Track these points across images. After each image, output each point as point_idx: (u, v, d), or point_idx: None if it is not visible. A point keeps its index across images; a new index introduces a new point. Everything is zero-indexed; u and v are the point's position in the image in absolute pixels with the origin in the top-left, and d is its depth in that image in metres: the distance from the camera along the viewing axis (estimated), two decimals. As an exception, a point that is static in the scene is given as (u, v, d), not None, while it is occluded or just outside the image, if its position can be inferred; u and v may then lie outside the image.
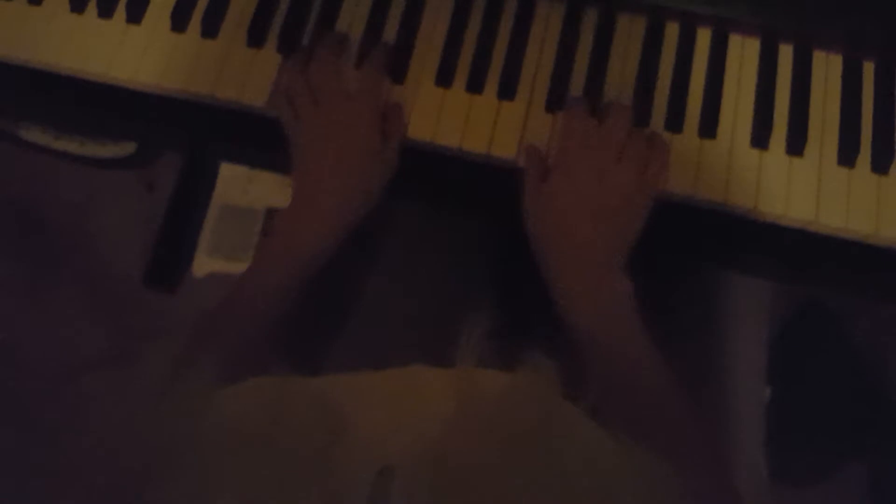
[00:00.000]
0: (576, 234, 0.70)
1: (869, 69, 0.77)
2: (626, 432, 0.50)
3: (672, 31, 0.79)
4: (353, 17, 0.80)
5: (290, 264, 0.72)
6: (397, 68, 0.78)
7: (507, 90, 0.77)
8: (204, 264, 1.39)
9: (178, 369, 0.59)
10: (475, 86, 0.77)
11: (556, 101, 0.76)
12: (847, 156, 0.74)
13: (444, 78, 0.78)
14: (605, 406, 0.56)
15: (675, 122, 0.76)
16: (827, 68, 0.78)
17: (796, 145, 0.75)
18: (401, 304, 0.98)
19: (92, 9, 0.81)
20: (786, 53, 0.78)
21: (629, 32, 0.79)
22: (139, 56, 0.79)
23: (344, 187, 0.73)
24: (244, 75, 0.78)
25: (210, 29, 0.80)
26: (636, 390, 0.65)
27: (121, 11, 0.81)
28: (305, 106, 0.74)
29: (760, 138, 0.75)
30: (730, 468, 0.62)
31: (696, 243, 0.77)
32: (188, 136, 0.85)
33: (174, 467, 0.45)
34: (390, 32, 0.80)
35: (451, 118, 0.77)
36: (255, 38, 0.79)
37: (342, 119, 0.74)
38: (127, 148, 1.39)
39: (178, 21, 0.80)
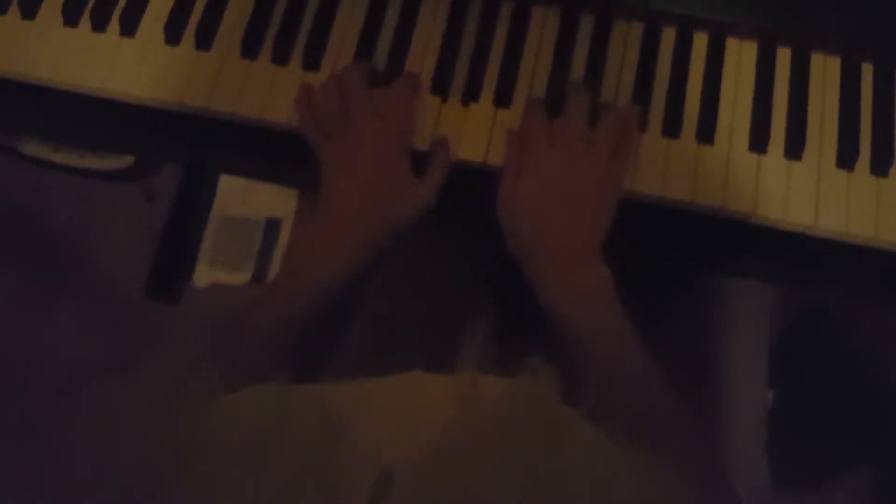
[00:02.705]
0: (549, 226, 0.70)
1: (868, 71, 0.77)
2: (625, 434, 0.49)
3: (669, 35, 0.79)
4: (346, 28, 0.80)
5: (309, 291, 0.71)
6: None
7: (504, 98, 0.77)
8: (205, 274, 1.39)
9: (182, 377, 0.59)
10: (471, 94, 0.77)
11: (553, 107, 0.76)
12: (846, 159, 0.74)
13: (440, 86, 0.77)
14: (602, 407, 0.56)
15: (672, 127, 0.75)
16: (825, 71, 0.77)
17: (795, 149, 0.74)
18: (401, 310, 0.98)
19: (86, 22, 0.81)
20: (783, 56, 0.78)
21: (626, 37, 0.79)
22: (134, 69, 0.79)
23: (370, 217, 0.72)
24: (239, 87, 0.78)
25: (204, 41, 0.79)
26: (624, 378, 0.65)
27: (114, 25, 0.80)
28: (336, 127, 0.74)
29: (758, 142, 0.75)
30: (726, 467, 0.62)
31: (695, 249, 0.77)
32: (187, 148, 0.84)
33: (176, 474, 0.45)
34: (384, 44, 0.79)
35: (447, 127, 0.76)
36: (249, 49, 0.79)
37: (372, 143, 0.73)
38: (126, 160, 1.38)
39: (172, 34, 0.80)
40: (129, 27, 0.80)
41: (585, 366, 0.67)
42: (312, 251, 0.73)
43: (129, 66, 0.79)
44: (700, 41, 0.79)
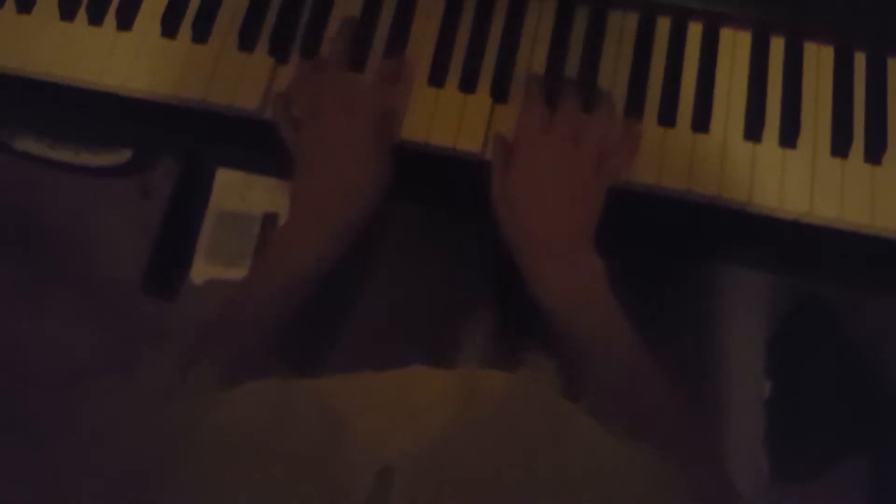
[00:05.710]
0: (541, 214, 0.70)
1: (860, 60, 0.77)
2: (625, 428, 0.50)
3: (664, 25, 0.79)
4: (343, 20, 0.80)
5: (286, 280, 0.71)
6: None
7: (501, 88, 0.77)
8: (202, 271, 1.39)
9: (180, 374, 0.59)
10: (468, 85, 0.77)
11: (549, 97, 0.76)
12: (840, 147, 0.74)
13: (437, 77, 0.78)
14: (601, 401, 0.56)
15: (667, 116, 0.76)
16: (818, 60, 0.78)
17: (789, 137, 0.75)
18: (402, 306, 0.98)
19: (82, 16, 0.81)
20: (777, 46, 0.78)
21: (621, 28, 0.79)
22: (130, 62, 0.79)
23: (344, 202, 0.72)
24: (236, 79, 0.78)
25: (200, 34, 0.80)
26: (621, 370, 0.65)
27: (111, 18, 0.80)
28: (307, 117, 0.74)
29: (753, 131, 0.75)
30: (724, 461, 0.62)
31: (691, 238, 0.77)
32: (183, 141, 0.85)
33: (176, 471, 0.45)
34: (382, 33, 0.80)
35: (444, 118, 0.76)
36: (246, 42, 0.79)
37: (343, 132, 0.73)
38: (122, 156, 1.39)
39: (169, 27, 0.80)
40: (125, 20, 0.80)
41: (583, 359, 0.67)
42: (288, 242, 0.73)
43: (126, 60, 0.79)
44: (694, 32, 0.79)
